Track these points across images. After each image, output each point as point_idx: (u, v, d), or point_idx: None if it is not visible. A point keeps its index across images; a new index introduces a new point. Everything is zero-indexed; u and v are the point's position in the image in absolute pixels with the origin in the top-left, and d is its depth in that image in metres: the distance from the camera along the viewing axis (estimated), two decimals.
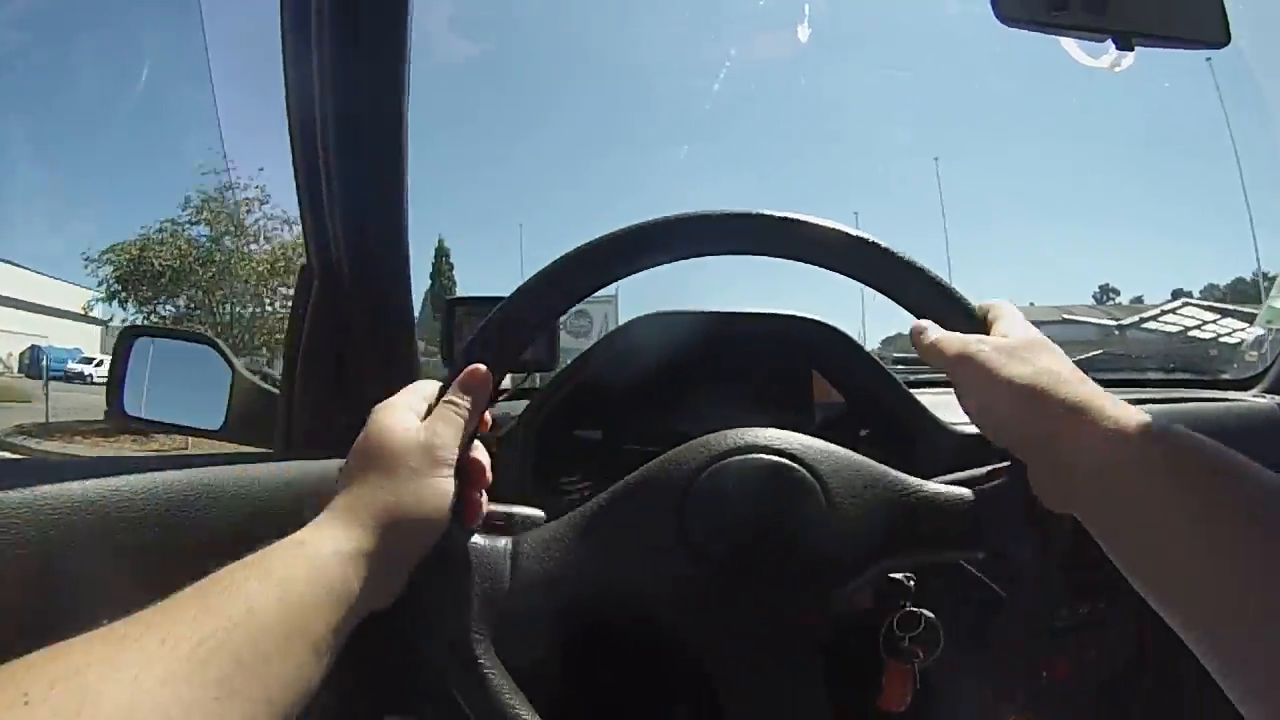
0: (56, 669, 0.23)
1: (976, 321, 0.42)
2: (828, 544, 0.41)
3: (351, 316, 0.73)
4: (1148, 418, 0.33)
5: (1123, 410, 0.34)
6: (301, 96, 0.65)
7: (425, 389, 0.41)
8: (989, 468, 0.48)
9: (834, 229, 0.44)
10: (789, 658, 0.42)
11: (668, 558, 0.40)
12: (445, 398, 0.40)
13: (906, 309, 0.45)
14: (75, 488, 0.44)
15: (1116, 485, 0.33)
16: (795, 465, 0.42)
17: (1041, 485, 0.37)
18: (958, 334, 0.40)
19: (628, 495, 0.42)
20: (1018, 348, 0.38)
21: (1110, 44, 0.68)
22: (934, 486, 0.42)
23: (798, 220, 0.44)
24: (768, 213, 0.44)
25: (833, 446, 0.43)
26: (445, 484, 0.37)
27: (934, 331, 0.41)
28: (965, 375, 0.38)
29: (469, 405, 0.40)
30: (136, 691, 0.23)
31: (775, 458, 0.42)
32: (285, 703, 0.28)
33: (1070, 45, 0.76)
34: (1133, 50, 0.69)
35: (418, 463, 0.37)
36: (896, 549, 0.42)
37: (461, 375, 0.40)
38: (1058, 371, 0.36)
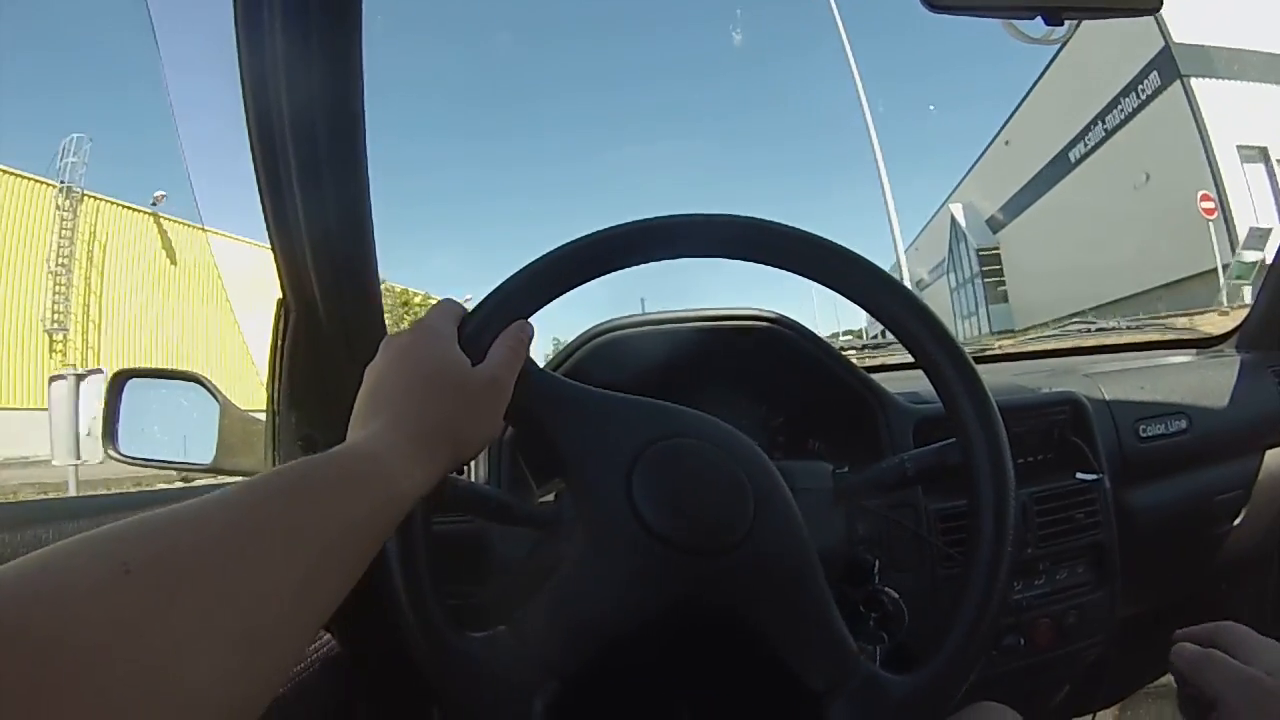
0: (158, 541, 0.23)
1: (1005, 490, 0.45)
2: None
3: (329, 347, 0.75)
4: None
5: None
6: (264, 137, 0.68)
7: (454, 311, 0.44)
8: (938, 445, 0.50)
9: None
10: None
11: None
12: (504, 338, 0.43)
13: None
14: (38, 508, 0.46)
15: None
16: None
17: None
18: (1230, 665, 0.41)
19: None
20: None
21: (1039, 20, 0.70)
22: None
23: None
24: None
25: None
26: (499, 420, 0.41)
27: (1201, 655, 0.42)
28: (1236, 713, 0.39)
29: (523, 351, 0.43)
30: (229, 575, 0.24)
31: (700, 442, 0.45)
32: (344, 595, 0.30)
33: (1009, 26, 0.78)
34: (1063, 24, 0.71)
35: (484, 398, 0.40)
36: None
37: (516, 325, 0.44)
38: None
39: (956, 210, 19.80)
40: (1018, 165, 15.23)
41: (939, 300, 19.96)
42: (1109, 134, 12.00)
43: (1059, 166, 13.64)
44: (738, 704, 0.60)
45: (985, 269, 17.76)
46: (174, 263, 14.80)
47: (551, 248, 0.48)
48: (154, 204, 14.81)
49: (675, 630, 0.45)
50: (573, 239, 0.47)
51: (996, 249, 17.52)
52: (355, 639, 0.68)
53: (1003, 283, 17.28)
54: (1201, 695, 0.41)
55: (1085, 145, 12.76)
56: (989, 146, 17.48)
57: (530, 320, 0.47)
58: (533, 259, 0.47)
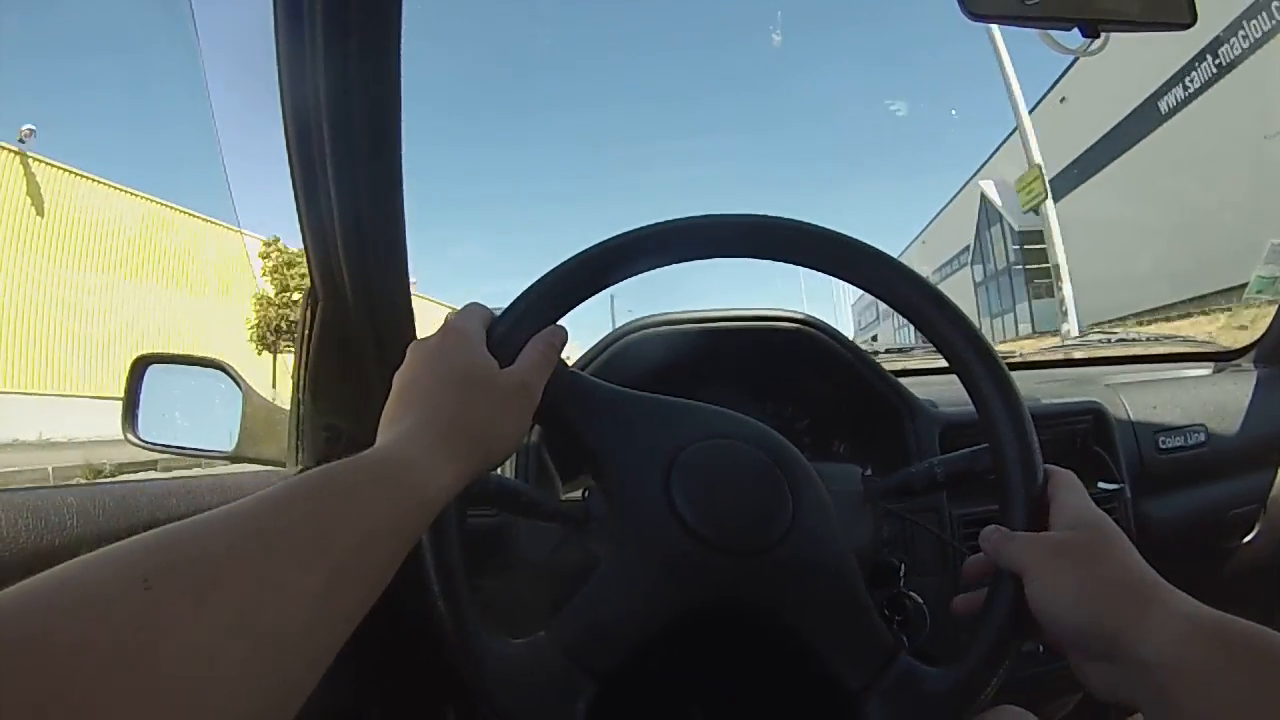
0: (177, 554, 0.23)
1: (1036, 492, 0.43)
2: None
3: (357, 337, 0.75)
4: (1214, 614, 0.34)
5: (1188, 606, 0.35)
6: (298, 125, 0.68)
7: (482, 314, 0.44)
8: (969, 450, 0.51)
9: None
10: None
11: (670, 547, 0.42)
12: (536, 343, 0.43)
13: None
14: (70, 497, 0.47)
15: (1180, 684, 0.32)
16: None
17: (1100, 677, 0.37)
18: (1024, 536, 0.41)
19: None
20: (1083, 546, 0.38)
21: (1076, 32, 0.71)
22: None
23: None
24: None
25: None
26: (527, 423, 0.41)
27: (1001, 534, 0.42)
28: (1032, 575, 0.39)
29: (554, 356, 0.43)
30: (251, 584, 0.23)
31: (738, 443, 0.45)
32: (371, 601, 0.29)
33: (1046, 37, 0.78)
34: (1099, 37, 0.71)
35: (513, 400, 0.40)
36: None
37: (549, 330, 0.43)
38: (1125, 568, 0.37)
39: (988, 187, 16.22)
40: (1077, 127, 12.19)
41: (959, 297, 17.55)
42: (1223, 70, 9.18)
43: (1141, 121, 10.84)
44: (766, 702, 0.60)
45: (1028, 260, 14.37)
46: (40, 214, 12.21)
47: (579, 250, 0.47)
48: (20, 140, 12.03)
49: (712, 628, 0.45)
50: (601, 240, 0.47)
51: (1039, 233, 14.38)
52: (371, 640, 0.68)
53: (1048, 273, 15.18)
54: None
55: (1185, 88, 9.89)
56: (1036, 107, 13.42)
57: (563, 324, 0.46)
58: (560, 261, 0.46)
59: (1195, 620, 0.33)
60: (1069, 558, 0.38)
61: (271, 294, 16.59)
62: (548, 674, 0.40)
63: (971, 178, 17.88)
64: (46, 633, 0.18)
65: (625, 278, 0.47)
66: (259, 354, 16.05)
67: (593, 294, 0.47)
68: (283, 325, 16.44)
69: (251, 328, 16.60)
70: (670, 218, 0.48)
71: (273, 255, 16.50)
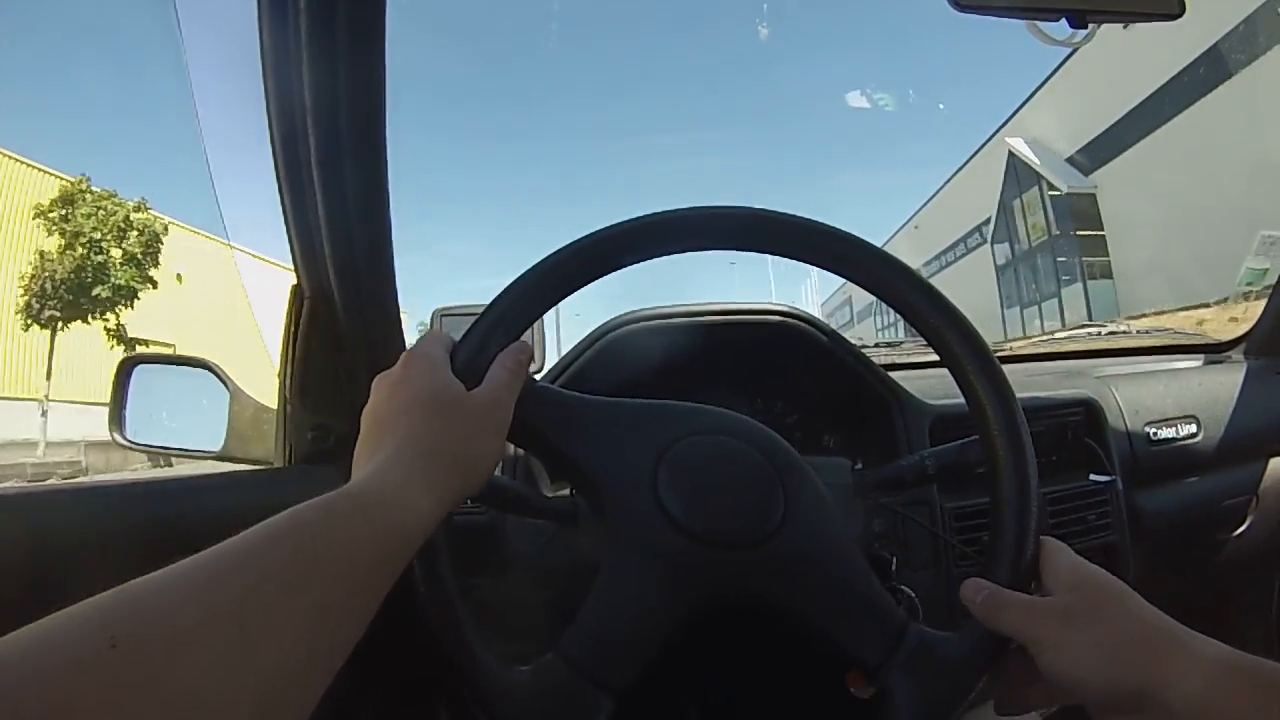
0: (144, 609, 0.22)
1: (1026, 561, 0.42)
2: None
3: (345, 335, 0.75)
4: (1239, 655, 0.33)
5: (1211, 648, 0.34)
6: (284, 123, 0.67)
7: (444, 340, 0.43)
8: (959, 442, 0.50)
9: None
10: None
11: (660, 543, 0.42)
12: (503, 360, 0.42)
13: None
14: (66, 492, 0.46)
15: None
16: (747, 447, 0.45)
17: None
18: (1016, 596, 0.40)
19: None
20: (1091, 606, 0.37)
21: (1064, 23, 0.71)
22: None
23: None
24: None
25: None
26: (502, 441, 0.40)
27: (987, 592, 0.41)
28: (1044, 647, 0.37)
29: (522, 373, 0.43)
30: (228, 632, 0.23)
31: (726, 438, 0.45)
32: (357, 637, 0.29)
33: (1033, 28, 0.78)
34: (1087, 28, 0.71)
35: (486, 419, 0.39)
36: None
37: (513, 346, 0.43)
38: (1140, 620, 0.36)
39: (1018, 144, 12.67)
40: (1142, 63, 9.48)
41: (974, 285, 14.49)
42: None
43: (1241, 44, 8.26)
44: (789, 694, 0.59)
45: (1079, 230, 11.24)
46: None
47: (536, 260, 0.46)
48: None
49: (724, 628, 0.44)
50: (555, 250, 0.46)
51: (1092, 196, 11.22)
52: (362, 644, 0.67)
53: (1102, 248, 11.24)
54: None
55: None
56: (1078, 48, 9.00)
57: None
58: (515, 278, 0.45)
59: (1222, 663, 0.33)
60: (1080, 622, 0.37)
61: (50, 248, 11.99)
62: (562, 696, 0.39)
63: (991, 138, 14.26)
64: (17, 701, 0.18)
65: (584, 284, 0.46)
66: (25, 329, 12.28)
67: (554, 304, 0.46)
68: (48, 287, 11.86)
69: (22, 295, 12.17)
70: (644, 212, 0.47)
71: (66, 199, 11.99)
